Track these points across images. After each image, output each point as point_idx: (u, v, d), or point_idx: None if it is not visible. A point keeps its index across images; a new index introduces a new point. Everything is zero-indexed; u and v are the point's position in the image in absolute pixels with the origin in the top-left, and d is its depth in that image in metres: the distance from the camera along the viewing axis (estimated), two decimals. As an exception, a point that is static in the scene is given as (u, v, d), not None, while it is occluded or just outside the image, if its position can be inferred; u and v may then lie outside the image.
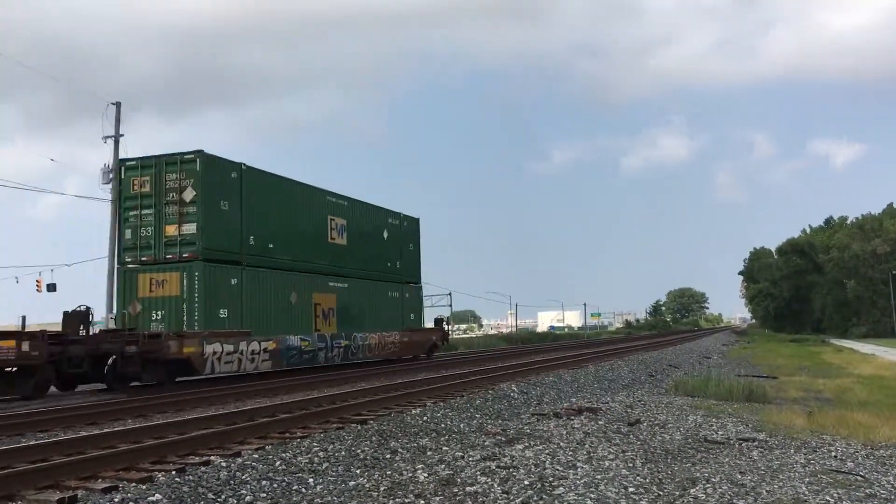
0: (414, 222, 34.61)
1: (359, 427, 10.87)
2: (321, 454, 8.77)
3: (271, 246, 23.46)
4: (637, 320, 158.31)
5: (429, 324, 37.92)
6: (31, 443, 10.09)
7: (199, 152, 21.30)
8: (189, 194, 21.11)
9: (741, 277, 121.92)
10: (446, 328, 36.99)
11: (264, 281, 23.00)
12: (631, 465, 8.21)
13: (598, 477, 7.50)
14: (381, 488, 7.15)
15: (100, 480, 7.64)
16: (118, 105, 33.31)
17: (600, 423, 11.38)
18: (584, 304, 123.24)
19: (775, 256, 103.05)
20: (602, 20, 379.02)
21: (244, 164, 22.87)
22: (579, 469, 7.88)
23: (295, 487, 7.37)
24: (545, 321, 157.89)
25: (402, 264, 32.51)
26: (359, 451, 9.07)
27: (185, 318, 20.42)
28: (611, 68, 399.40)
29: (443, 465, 8.12)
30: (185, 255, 20.83)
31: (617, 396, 15.84)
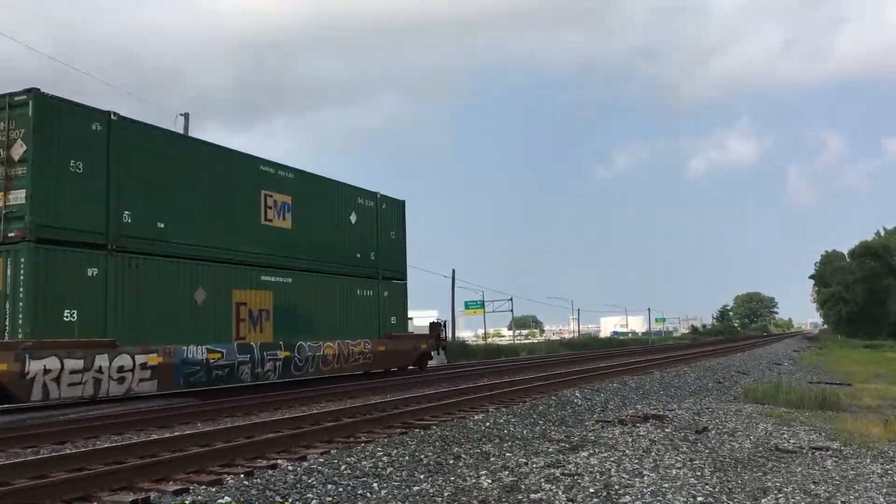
0: (396, 205, 27.96)
1: (422, 432, 10.90)
2: (385, 459, 8.83)
3: (162, 226, 17.39)
4: (703, 326, 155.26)
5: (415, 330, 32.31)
6: (106, 445, 10.41)
7: (34, 91, 15.45)
8: (18, 150, 15.38)
9: (812, 281, 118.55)
10: (443, 334, 31.01)
11: (149, 273, 16.93)
12: (699, 473, 8.05)
13: (666, 485, 7.37)
14: (445, 494, 7.17)
15: (171, 482, 7.83)
16: (186, 116, 34.27)
17: (667, 430, 11.19)
18: (649, 310, 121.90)
19: (848, 259, 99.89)
20: (663, 22, 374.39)
21: (114, 114, 16.70)
22: (646, 477, 7.76)
23: (360, 492, 7.44)
24: (608, 326, 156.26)
25: (378, 256, 25.97)
26: (422, 456, 9.10)
27: (6, 322, 14.88)
28: (673, 70, 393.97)
29: (506, 472, 8.09)
30: (10, 235, 15.15)
31: (683, 403, 15.55)
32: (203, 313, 18.23)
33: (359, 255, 24.87)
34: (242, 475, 8.01)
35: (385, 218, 26.77)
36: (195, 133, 32.34)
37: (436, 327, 30.73)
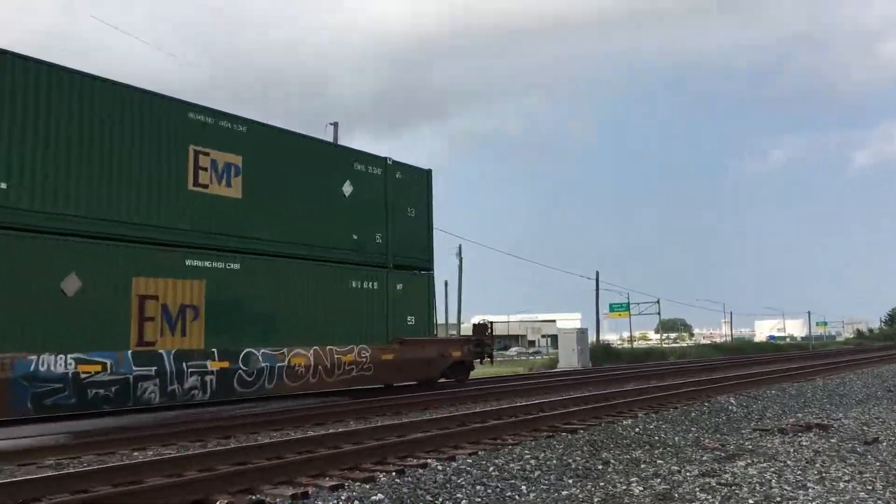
0: (416, 175, 22.04)
1: (569, 436, 10.80)
2: (533, 462, 8.80)
3: (4, 186, 12.97)
4: (870, 330, 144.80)
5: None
6: (266, 440, 10.96)
7: None
8: None
9: None
10: (489, 338, 25.04)
11: None
12: (870, 487, 7.51)
13: (832, 499, 6.93)
14: (595, 500, 7.05)
15: (327, 478, 8.14)
16: (335, 125, 35.62)
17: (832, 440, 10.51)
18: (808, 313, 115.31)
19: None
20: (821, 7, 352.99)
21: None
22: (810, 490, 7.32)
23: (508, 494, 7.45)
24: (763, 330, 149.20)
25: (388, 238, 20.36)
26: (570, 460, 9.01)
27: None
28: (834, 58, 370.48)
29: (658, 479, 7.86)
30: None
31: (850, 413, 14.56)
32: (76, 309, 13.46)
33: (356, 237, 19.47)
34: (394, 473, 8.21)
35: (400, 191, 21.15)
36: (344, 142, 33.39)
37: (480, 329, 25.51)
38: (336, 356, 17.95)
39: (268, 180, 17.24)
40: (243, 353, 15.92)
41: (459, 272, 51.29)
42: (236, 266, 16.24)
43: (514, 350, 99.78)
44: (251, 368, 15.98)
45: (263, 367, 16.23)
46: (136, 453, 10.52)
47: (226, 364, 15.54)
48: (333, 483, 7.73)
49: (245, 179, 16.68)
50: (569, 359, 39.97)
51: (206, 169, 15.97)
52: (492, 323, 26.12)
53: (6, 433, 12.14)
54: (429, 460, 9.07)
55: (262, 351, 16.29)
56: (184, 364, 14.80)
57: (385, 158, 20.87)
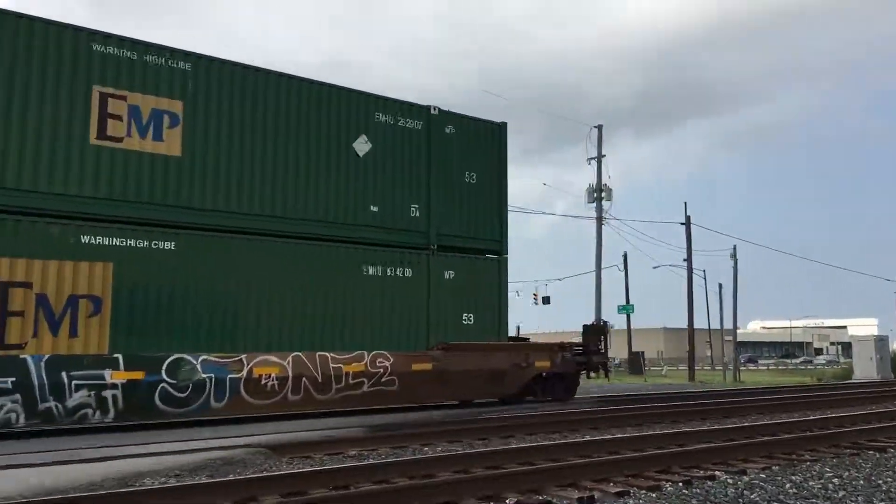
0: (480, 130, 17.47)
1: (877, 455, 9.81)
2: (836, 481, 8.10)
3: None
4: None
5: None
6: (546, 442, 11.12)
7: None
8: None
9: None
10: (602, 343, 19.12)
11: None
12: None
13: None
14: (917, 528, 6.33)
15: (611, 484, 8.07)
16: (600, 128, 35.59)
17: None
18: None
19: None
20: None
21: None
22: None
23: (810, 514, 6.92)
24: None
25: (429, 212, 16.23)
26: (880, 481, 8.17)
27: None
28: None
29: None
30: None
31: None
32: None
33: (375, 209, 15.54)
34: (681, 483, 7.96)
35: (452, 149, 16.83)
36: (606, 145, 33.05)
37: (593, 333, 19.48)
38: (334, 365, 14.32)
39: (224, 134, 13.83)
40: (169, 361, 12.55)
41: (734, 275, 48.70)
42: (168, 245, 12.92)
43: (822, 358, 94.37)
44: (182, 381, 12.61)
45: (204, 379, 12.80)
46: (426, 448, 11.18)
47: (138, 375, 12.13)
48: (619, 489, 7.66)
49: (187, 132, 13.36)
50: (865, 369, 36.33)
51: (119, 117, 12.72)
52: (605, 323, 20.63)
53: (312, 425, 13.48)
54: (716, 472, 8.68)
55: (203, 358, 12.89)
56: (64, 374, 11.51)
57: (428, 107, 16.66)
